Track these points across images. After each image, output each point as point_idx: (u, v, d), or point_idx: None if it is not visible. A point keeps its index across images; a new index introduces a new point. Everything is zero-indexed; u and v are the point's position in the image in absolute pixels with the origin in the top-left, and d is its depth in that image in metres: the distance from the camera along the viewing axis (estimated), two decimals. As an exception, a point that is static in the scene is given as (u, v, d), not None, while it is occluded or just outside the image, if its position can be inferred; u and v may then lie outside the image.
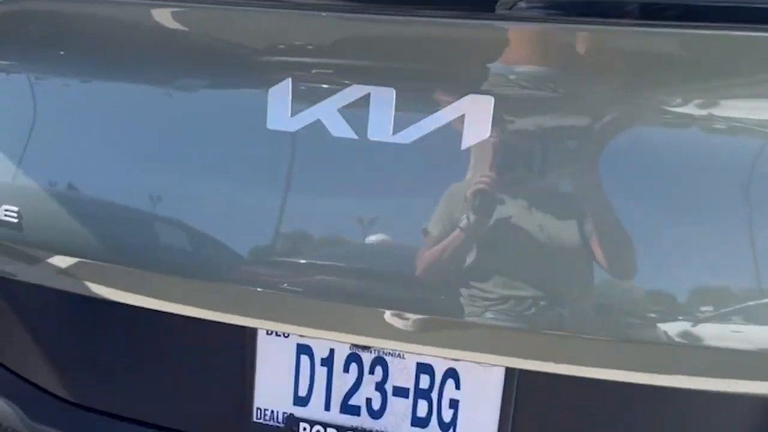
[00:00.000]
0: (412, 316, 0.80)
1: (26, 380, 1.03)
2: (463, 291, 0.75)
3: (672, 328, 0.72)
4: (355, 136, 0.74)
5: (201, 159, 0.80)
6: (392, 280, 0.78)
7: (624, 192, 0.71)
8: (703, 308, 0.71)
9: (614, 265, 0.72)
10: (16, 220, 0.88)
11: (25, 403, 1.04)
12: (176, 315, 0.87)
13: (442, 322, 0.79)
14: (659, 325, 0.72)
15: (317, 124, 0.75)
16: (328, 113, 0.75)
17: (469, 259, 0.74)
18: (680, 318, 0.72)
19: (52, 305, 0.97)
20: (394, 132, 0.73)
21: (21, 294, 0.97)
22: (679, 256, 0.71)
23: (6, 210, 0.88)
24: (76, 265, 0.87)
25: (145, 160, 0.81)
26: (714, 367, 0.76)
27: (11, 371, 1.04)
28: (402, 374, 0.89)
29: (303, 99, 0.75)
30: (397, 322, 0.81)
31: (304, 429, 0.92)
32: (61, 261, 0.87)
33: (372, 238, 0.77)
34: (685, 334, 0.72)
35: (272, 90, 0.76)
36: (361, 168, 0.76)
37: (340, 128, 0.75)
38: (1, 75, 0.88)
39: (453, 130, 0.72)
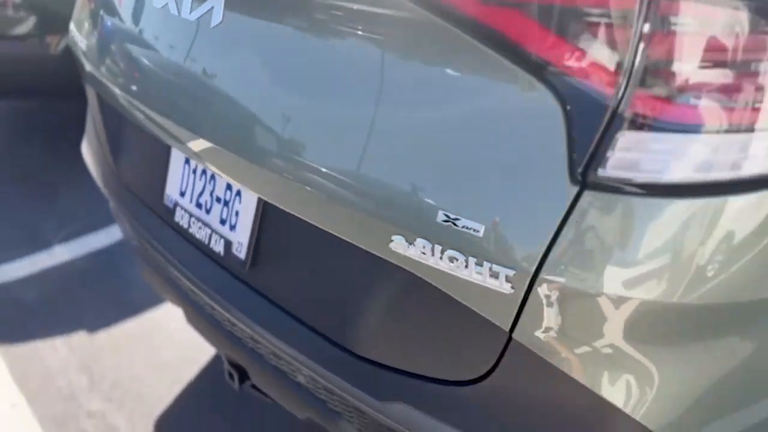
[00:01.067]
0: (210, 145, 1.23)
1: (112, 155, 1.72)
2: (231, 131, 1.17)
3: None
4: (177, 14, 1.21)
5: (152, 29, 1.34)
6: (201, 117, 1.23)
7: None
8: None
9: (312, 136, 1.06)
10: (84, 49, 1.55)
11: (104, 172, 1.74)
12: (142, 126, 1.44)
13: (220, 151, 1.20)
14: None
15: (170, 6, 1.23)
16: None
17: (227, 108, 1.16)
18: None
19: (106, 106, 1.62)
20: (190, 12, 1.18)
21: (96, 94, 1.65)
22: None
23: (85, 44, 1.55)
24: (102, 83, 1.50)
25: (124, 31, 1.39)
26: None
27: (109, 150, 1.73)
28: (220, 188, 1.33)
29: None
30: (209, 150, 1.25)
31: (180, 210, 1.43)
32: (95, 74, 1.51)
33: (196, 88, 1.23)
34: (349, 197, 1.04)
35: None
36: (186, 35, 1.22)
37: (174, 8, 1.22)
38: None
39: (209, 14, 1.14)
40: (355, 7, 0.96)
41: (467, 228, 0.86)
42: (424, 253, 0.90)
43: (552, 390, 0.92)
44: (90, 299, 2.55)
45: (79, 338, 2.33)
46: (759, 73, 0.78)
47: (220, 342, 1.46)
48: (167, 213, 1.46)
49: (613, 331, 0.86)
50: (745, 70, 0.79)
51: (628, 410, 0.90)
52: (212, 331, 1.45)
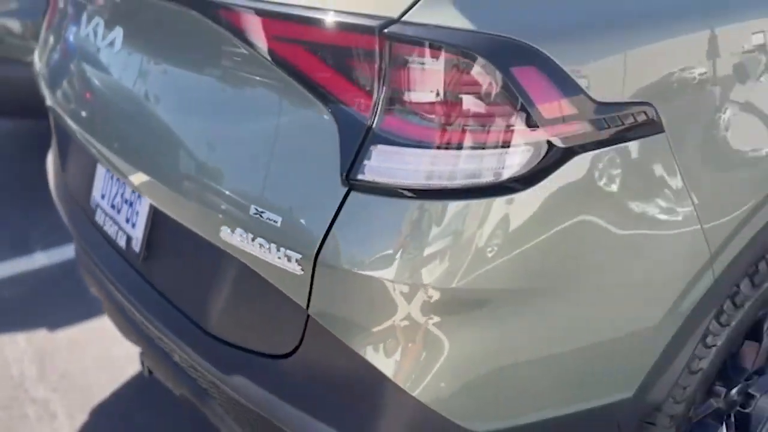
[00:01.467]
0: (108, 152, 1.44)
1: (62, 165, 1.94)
2: (132, 146, 1.38)
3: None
4: (94, 41, 1.44)
5: (80, 56, 1.57)
6: (105, 130, 1.44)
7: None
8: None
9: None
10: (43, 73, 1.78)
11: (57, 181, 1.96)
12: (76, 139, 1.66)
13: (124, 164, 1.42)
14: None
15: (91, 35, 1.46)
16: (94, 30, 1.45)
17: (117, 123, 1.37)
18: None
19: (57, 123, 1.85)
20: (102, 39, 1.40)
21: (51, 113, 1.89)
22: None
23: (40, 67, 1.79)
24: (50, 103, 1.73)
25: (61, 56, 1.63)
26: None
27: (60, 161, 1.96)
28: (127, 192, 1.54)
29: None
30: (118, 162, 1.46)
31: (100, 210, 1.63)
32: (46, 95, 1.74)
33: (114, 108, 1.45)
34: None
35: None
36: (99, 62, 1.44)
37: (93, 38, 1.44)
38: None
39: (113, 44, 1.36)
40: (204, 47, 1.18)
41: (269, 219, 1.05)
42: (242, 240, 1.09)
43: (345, 364, 1.09)
44: (58, 300, 2.76)
45: (40, 334, 2.53)
46: (499, 104, 0.96)
47: (125, 329, 1.64)
48: (92, 213, 1.67)
49: (388, 313, 1.03)
50: (489, 101, 0.97)
51: (405, 387, 1.05)
52: (120, 320, 1.63)
